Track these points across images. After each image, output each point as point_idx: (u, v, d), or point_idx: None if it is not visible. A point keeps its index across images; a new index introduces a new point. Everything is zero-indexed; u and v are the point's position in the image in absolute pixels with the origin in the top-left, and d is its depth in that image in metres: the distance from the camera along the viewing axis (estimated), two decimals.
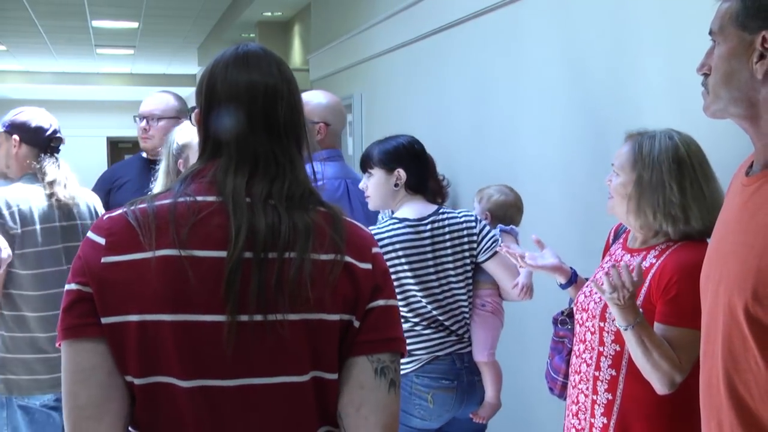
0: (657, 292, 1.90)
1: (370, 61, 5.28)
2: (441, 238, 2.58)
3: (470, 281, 2.63)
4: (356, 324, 1.29)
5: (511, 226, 2.81)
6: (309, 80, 6.75)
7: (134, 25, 9.98)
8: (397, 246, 2.53)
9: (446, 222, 2.60)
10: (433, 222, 2.58)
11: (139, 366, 1.23)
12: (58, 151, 2.91)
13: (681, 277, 1.87)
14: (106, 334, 1.22)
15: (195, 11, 9.12)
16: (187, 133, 2.47)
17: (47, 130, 2.87)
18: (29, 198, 2.76)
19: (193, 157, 2.37)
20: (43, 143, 2.84)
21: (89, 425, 1.21)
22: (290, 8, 7.73)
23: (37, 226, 2.75)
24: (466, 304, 2.62)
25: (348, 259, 1.29)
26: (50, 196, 2.79)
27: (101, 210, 2.96)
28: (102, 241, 1.26)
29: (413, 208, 2.61)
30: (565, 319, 2.23)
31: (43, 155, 2.84)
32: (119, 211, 1.28)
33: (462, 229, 2.61)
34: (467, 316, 2.62)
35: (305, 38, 7.49)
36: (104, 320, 1.22)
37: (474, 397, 2.63)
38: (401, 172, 2.61)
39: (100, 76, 15.76)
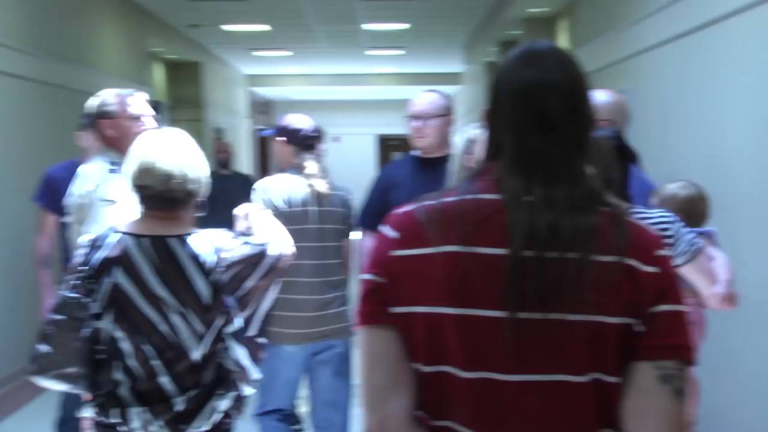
0: None
1: (641, 55, 5.07)
2: None
3: None
4: (639, 328, 1.25)
5: (707, 228, 2.52)
6: None
7: (404, 26, 10.37)
8: None
9: None
10: None
11: (425, 355, 1.29)
12: (316, 148, 3.48)
13: None
14: (397, 323, 1.30)
15: (462, 10, 9.29)
16: (472, 130, 2.61)
17: (304, 131, 3.43)
18: (290, 186, 3.33)
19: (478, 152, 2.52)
20: (301, 142, 3.41)
21: (382, 405, 1.30)
22: (557, 3, 7.62)
23: (296, 208, 3.31)
24: None
25: (631, 261, 1.25)
26: (307, 185, 3.33)
27: (352, 202, 3.50)
28: (394, 235, 1.33)
29: None
30: None
31: (302, 152, 3.40)
32: (410, 207, 1.35)
33: (658, 230, 2.34)
34: None
35: (572, 33, 7.35)
36: (395, 310, 1.30)
37: None
38: None
39: (371, 77, 16.53)
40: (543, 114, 1.30)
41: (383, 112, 18.94)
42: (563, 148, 1.30)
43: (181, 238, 2.15)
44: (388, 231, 1.34)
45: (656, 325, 1.25)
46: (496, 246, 1.26)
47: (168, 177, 2.11)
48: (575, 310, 1.23)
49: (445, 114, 3.53)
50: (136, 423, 2.10)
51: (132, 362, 2.13)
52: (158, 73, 10.87)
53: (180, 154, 2.15)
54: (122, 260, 2.12)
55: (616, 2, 5.62)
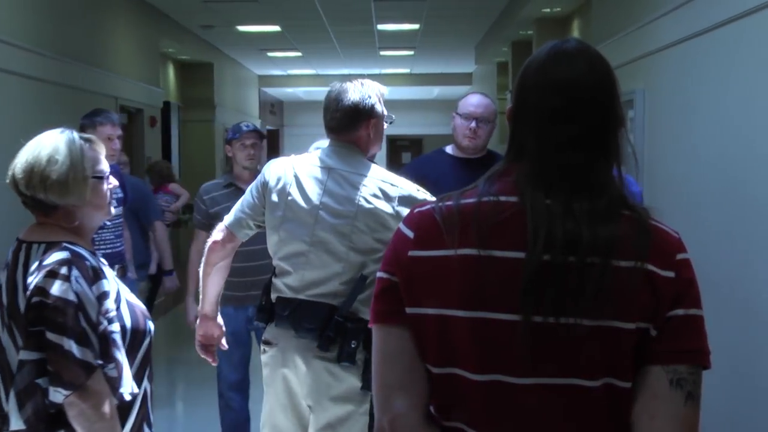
0: None
1: (654, 55, 5.02)
2: None
3: None
4: (653, 333, 1.24)
5: None
6: None
7: (415, 26, 10.34)
8: None
9: None
10: None
11: (435, 356, 1.28)
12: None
13: None
14: (409, 323, 1.29)
15: (474, 11, 9.26)
16: None
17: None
18: None
19: None
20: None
21: (393, 403, 1.29)
22: (570, 3, 7.59)
23: None
24: None
25: (649, 266, 1.23)
26: None
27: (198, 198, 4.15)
28: (411, 234, 1.31)
29: None
30: None
31: None
32: (428, 207, 1.33)
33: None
34: None
35: (585, 34, 7.31)
36: (408, 310, 1.29)
37: None
38: None
39: (382, 77, 16.54)
40: (565, 116, 1.27)
41: (392, 112, 18.86)
42: (587, 150, 1.27)
43: (29, 246, 1.98)
44: (405, 230, 1.32)
45: (671, 329, 1.23)
46: (513, 249, 1.24)
47: (7, 176, 2.01)
48: (592, 316, 1.21)
49: (494, 120, 3.70)
50: None
51: None
52: (170, 74, 10.88)
53: (24, 156, 2.00)
54: (7, 264, 2.02)
55: (630, 2, 5.58)
